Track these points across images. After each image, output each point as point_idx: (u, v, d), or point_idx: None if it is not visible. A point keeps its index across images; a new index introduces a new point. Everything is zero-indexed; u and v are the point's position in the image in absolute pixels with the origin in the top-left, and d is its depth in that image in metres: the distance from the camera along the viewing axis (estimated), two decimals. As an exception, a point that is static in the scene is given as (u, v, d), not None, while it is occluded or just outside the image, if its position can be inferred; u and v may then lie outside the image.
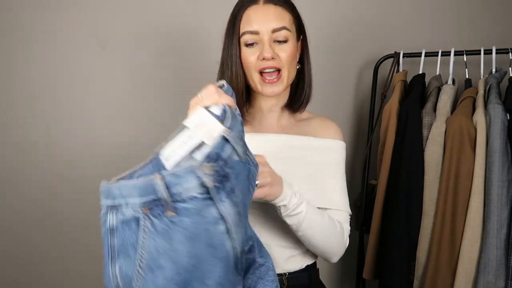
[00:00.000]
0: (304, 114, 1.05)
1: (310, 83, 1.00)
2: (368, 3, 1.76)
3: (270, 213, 0.93)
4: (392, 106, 1.51)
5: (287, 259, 0.97)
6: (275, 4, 0.91)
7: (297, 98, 1.00)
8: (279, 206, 0.83)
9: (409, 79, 1.60)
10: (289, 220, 0.85)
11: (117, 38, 1.59)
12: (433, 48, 1.57)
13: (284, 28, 0.90)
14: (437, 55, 1.54)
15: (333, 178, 0.98)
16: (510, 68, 1.45)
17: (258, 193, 0.78)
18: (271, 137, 0.97)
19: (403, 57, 1.61)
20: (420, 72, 1.57)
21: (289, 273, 0.97)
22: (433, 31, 1.76)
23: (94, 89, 1.61)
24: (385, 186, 1.50)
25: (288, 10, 0.93)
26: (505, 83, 1.43)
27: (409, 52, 1.61)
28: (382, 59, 1.67)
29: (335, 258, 0.98)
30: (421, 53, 1.58)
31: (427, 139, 1.42)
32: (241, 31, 0.91)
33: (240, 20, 0.92)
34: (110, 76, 1.61)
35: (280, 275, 0.95)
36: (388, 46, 1.70)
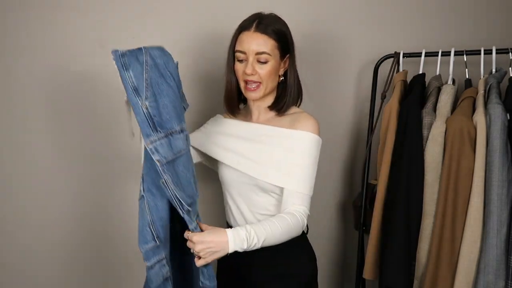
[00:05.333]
0: (292, 110, 1.26)
1: (291, 93, 1.24)
2: (368, 3, 1.76)
3: (248, 186, 1.21)
4: (392, 106, 1.51)
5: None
6: (262, 32, 1.15)
7: (278, 102, 1.25)
8: None
9: (409, 79, 1.60)
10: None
11: (116, 37, 1.59)
12: (433, 48, 1.57)
13: (264, 52, 1.15)
14: (437, 55, 1.54)
15: (297, 164, 1.16)
16: (510, 68, 1.45)
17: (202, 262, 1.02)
18: (251, 125, 1.27)
19: (403, 57, 1.61)
20: (420, 72, 1.57)
21: None
22: (433, 31, 1.76)
23: (93, 88, 1.61)
24: (385, 186, 1.50)
25: (273, 37, 1.16)
26: (505, 83, 1.43)
27: (409, 52, 1.61)
28: (382, 59, 1.67)
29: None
30: (421, 53, 1.58)
31: (427, 139, 1.42)
32: (235, 48, 1.19)
33: (236, 40, 1.20)
34: (109, 75, 1.61)
35: None
36: (388, 46, 1.70)
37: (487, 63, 1.47)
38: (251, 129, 1.26)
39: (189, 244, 1.01)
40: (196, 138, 1.36)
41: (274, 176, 1.17)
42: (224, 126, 1.33)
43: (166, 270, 1.05)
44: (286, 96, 1.24)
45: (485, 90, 1.41)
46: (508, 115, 1.32)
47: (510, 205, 1.29)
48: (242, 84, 1.21)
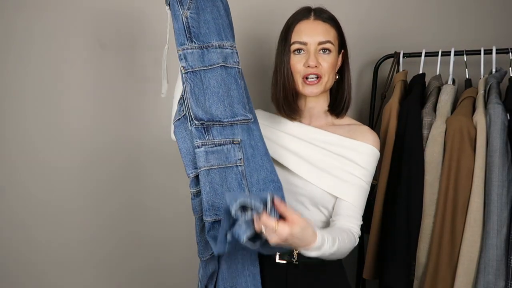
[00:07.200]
0: (345, 120, 1.16)
1: (349, 92, 1.14)
2: (368, 3, 1.76)
3: (307, 199, 1.07)
4: (392, 106, 1.51)
5: None
6: (324, 21, 1.08)
7: (338, 104, 1.14)
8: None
9: (409, 79, 1.60)
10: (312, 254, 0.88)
11: (117, 38, 1.59)
12: (433, 48, 1.57)
13: (328, 41, 1.06)
14: (437, 55, 1.54)
15: (358, 178, 1.07)
16: (510, 68, 1.45)
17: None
18: (306, 127, 1.13)
19: (403, 57, 1.61)
20: (420, 72, 1.56)
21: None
22: (433, 31, 1.76)
23: (94, 89, 1.61)
24: (385, 186, 1.50)
25: (334, 27, 1.09)
26: (505, 83, 1.43)
27: (409, 52, 1.61)
28: (382, 59, 1.67)
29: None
30: (421, 53, 1.58)
31: (427, 139, 1.42)
32: (292, 40, 1.07)
33: (292, 31, 1.08)
34: (110, 75, 1.61)
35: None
36: (388, 46, 1.70)
37: (487, 63, 1.47)
38: (306, 131, 1.12)
39: (268, 232, 0.78)
40: None
41: (331, 184, 1.05)
42: (274, 122, 1.17)
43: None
44: (345, 96, 1.13)
45: (485, 90, 1.40)
46: (508, 115, 1.32)
47: (510, 205, 1.29)
48: (299, 80, 1.08)
